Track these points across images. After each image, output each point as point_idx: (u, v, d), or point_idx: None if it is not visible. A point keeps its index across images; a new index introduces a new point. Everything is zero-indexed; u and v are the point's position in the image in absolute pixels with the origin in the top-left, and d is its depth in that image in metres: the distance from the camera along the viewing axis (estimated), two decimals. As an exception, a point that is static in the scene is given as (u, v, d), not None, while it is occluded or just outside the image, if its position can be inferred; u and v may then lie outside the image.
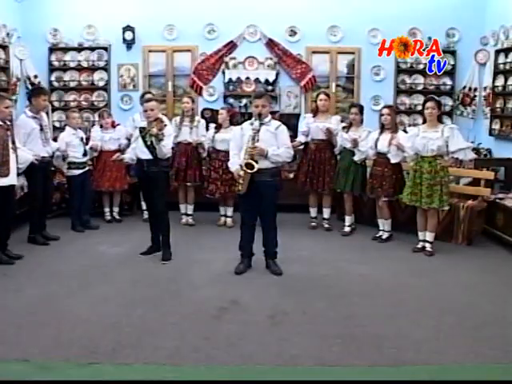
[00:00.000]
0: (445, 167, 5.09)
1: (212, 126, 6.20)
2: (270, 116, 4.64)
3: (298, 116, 7.23)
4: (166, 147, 4.78)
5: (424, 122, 5.26)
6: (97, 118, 6.79)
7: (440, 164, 5.03)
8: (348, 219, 6.01)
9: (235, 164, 4.57)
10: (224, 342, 3.26)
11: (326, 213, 6.21)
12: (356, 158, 5.74)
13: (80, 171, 5.95)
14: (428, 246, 5.23)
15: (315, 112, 6.11)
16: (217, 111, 6.69)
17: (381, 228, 5.74)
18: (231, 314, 3.71)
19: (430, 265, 4.90)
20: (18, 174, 5.01)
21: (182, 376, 2.90)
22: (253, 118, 4.60)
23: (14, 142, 4.78)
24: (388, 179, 5.48)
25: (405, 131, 5.64)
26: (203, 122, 6.35)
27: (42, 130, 5.33)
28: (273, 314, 3.70)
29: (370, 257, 5.14)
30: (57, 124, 7.29)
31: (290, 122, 6.69)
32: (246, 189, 4.47)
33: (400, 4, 7.18)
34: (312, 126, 6.01)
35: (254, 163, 4.39)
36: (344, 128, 5.90)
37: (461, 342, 3.29)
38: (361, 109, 5.91)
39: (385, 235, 5.69)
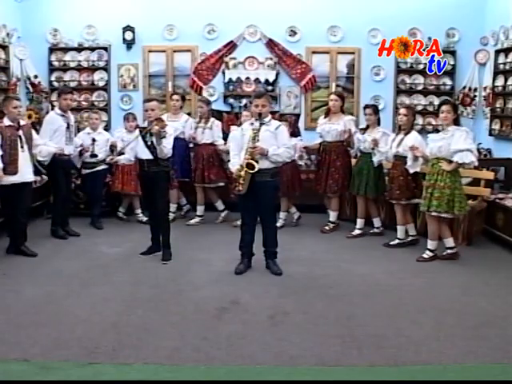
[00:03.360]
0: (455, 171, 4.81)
1: None
2: (270, 116, 4.64)
3: (298, 116, 7.22)
4: (166, 147, 4.78)
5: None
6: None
7: (441, 167, 4.80)
8: (359, 222, 5.87)
9: (236, 164, 4.57)
10: (224, 342, 3.26)
11: (332, 216, 6.10)
12: (375, 160, 5.58)
13: (87, 171, 6.18)
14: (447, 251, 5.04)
15: (327, 113, 6.04)
16: (220, 112, 6.67)
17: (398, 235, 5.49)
18: (231, 314, 3.71)
19: (430, 265, 4.90)
20: (44, 168, 5.54)
21: (182, 376, 2.90)
22: (253, 118, 4.61)
23: (30, 140, 5.04)
24: (402, 182, 5.29)
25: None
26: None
27: (68, 128, 5.64)
28: (273, 313, 3.70)
29: (370, 257, 5.14)
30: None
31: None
32: (247, 189, 4.48)
33: (400, 4, 7.17)
34: (321, 128, 5.98)
35: (254, 163, 4.40)
36: (361, 130, 5.83)
37: (461, 342, 3.29)
38: (375, 109, 5.82)
39: (409, 238, 5.47)
